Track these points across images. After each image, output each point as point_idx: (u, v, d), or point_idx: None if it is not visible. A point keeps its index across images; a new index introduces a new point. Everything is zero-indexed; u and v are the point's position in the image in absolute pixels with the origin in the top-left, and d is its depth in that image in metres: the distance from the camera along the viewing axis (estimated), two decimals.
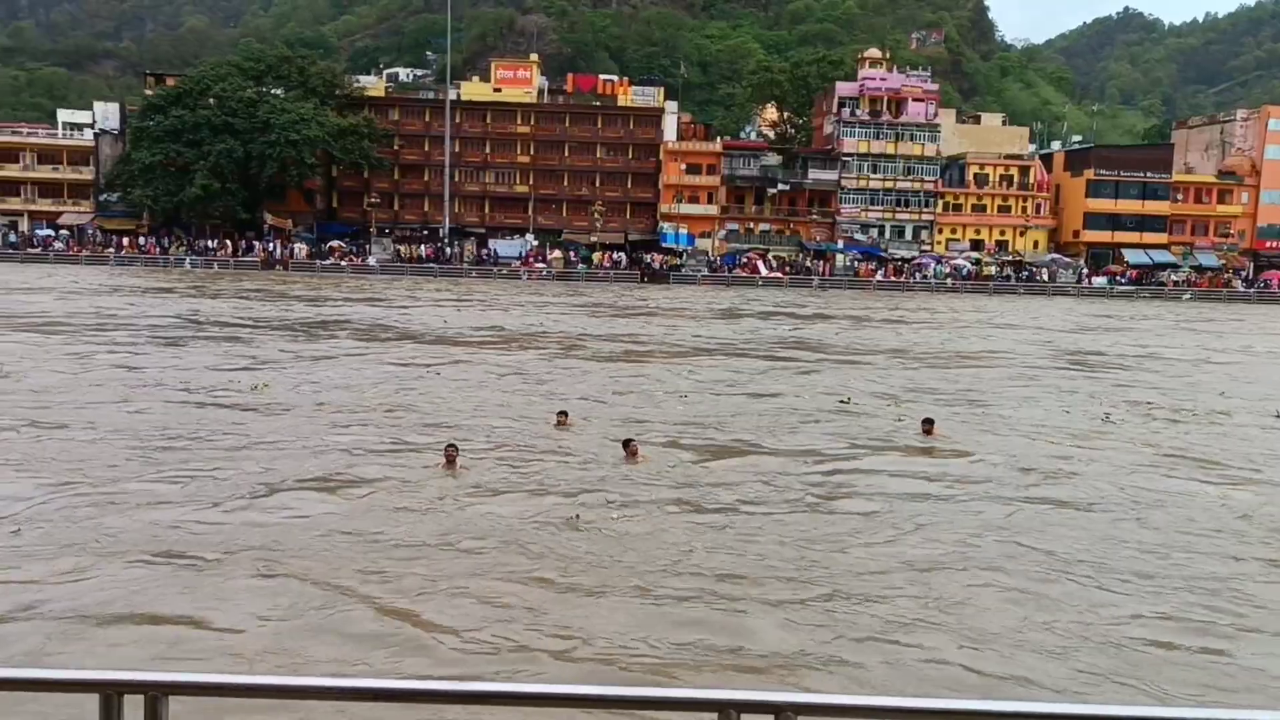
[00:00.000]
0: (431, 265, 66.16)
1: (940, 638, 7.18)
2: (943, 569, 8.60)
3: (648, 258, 67.50)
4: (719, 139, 75.05)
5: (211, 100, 66.61)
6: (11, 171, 71.09)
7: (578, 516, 9.79)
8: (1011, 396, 19.65)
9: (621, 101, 72.94)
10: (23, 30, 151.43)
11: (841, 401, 18.08)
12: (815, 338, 31.58)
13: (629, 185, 72.88)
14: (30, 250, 65.77)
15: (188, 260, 63.86)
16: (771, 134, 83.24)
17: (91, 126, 73.17)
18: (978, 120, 79.25)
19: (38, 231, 69.19)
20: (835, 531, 9.73)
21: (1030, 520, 10.28)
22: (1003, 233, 71.38)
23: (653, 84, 76.43)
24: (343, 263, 65.57)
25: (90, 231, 69.76)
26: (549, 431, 14.16)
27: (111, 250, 65.80)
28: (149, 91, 71.40)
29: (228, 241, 67.17)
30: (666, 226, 70.46)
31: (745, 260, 67.68)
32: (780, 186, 70.66)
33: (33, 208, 71.09)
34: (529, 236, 71.16)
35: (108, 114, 73.56)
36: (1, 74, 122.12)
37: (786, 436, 14.61)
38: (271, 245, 67.10)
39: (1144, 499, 11.41)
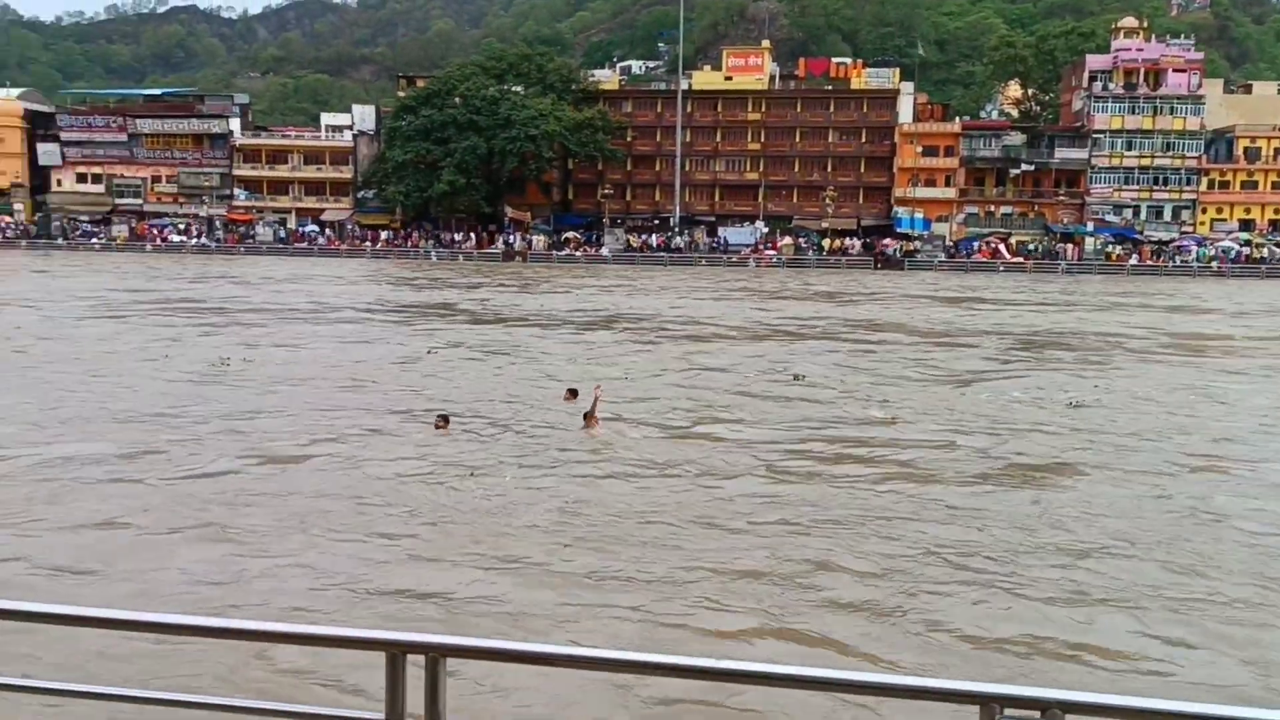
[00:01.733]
0: (662, 254, 74.12)
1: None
2: None
3: (882, 243, 73.00)
4: (957, 119, 78.84)
5: (457, 99, 77.29)
6: (281, 172, 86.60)
7: None
8: None
9: (855, 84, 78.66)
10: (290, 41, 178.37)
11: (796, 377, 21.21)
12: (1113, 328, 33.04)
13: (862, 170, 78.43)
14: (297, 245, 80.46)
15: (434, 253, 75.88)
16: (1014, 112, 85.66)
17: (350, 128, 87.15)
18: (1249, 90, 78.27)
19: (303, 227, 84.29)
20: None
21: None
22: (1278, 211, 71.13)
23: (887, 65, 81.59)
24: (577, 253, 75.17)
25: (349, 226, 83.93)
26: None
27: (368, 244, 79.54)
28: (401, 93, 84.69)
29: (471, 234, 79.09)
30: (901, 211, 75.46)
31: (986, 244, 71.60)
32: (1024, 167, 73.58)
33: (299, 205, 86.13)
34: (759, 224, 78.12)
35: (365, 116, 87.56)
36: (272, 82, 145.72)
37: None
38: (511, 237, 78.26)
39: None
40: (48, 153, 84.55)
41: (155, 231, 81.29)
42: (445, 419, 15.84)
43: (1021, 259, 69.10)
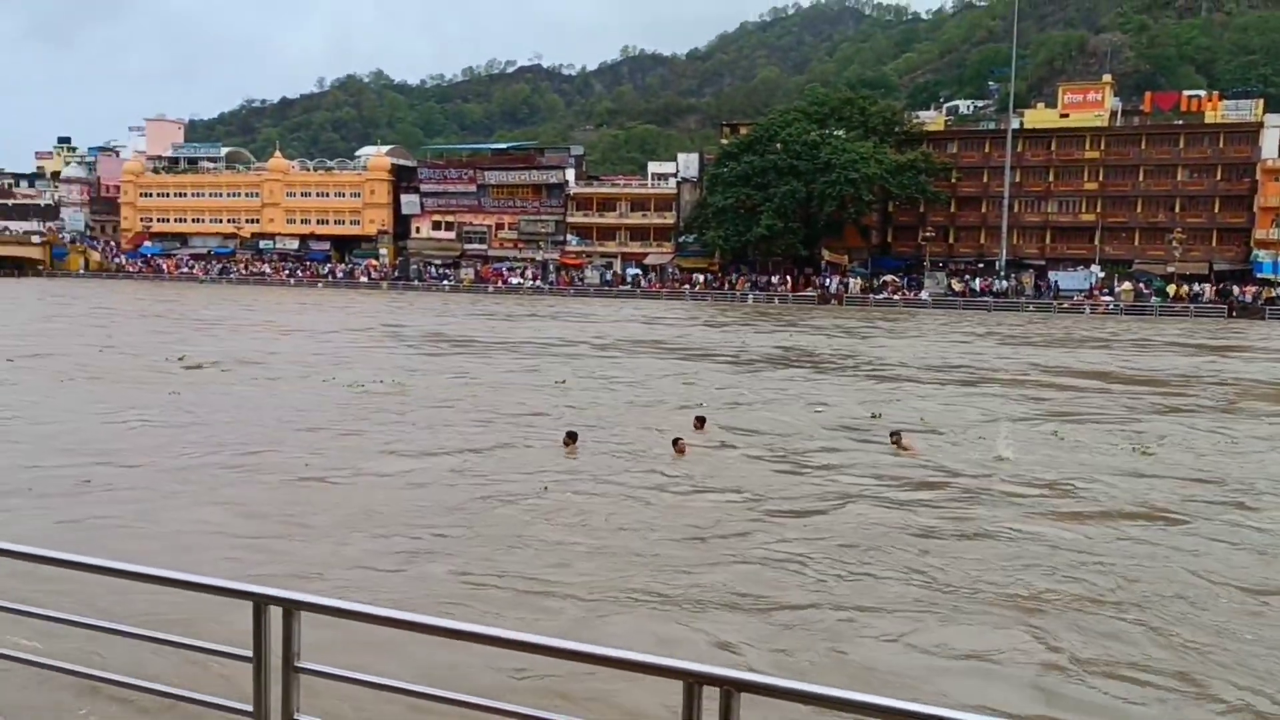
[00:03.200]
0: (985, 299, 73.41)
1: None
2: None
3: (1236, 290, 68.10)
4: None
5: (778, 145, 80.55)
6: (610, 218, 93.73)
7: None
8: None
9: (1209, 118, 74.15)
10: (623, 94, 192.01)
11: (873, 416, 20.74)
12: None
13: (1215, 209, 73.57)
14: (621, 287, 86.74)
15: (750, 295, 79.26)
16: None
17: (674, 175, 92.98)
18: None
19: (627, 270, 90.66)
20: None
21: None
22: None
23: (1248, 96, 76.33)
24: (895, 297, 75.94)
25: (670, 270, 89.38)
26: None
27: (687, 287, 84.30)
28: (724, 140, 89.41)
29: (787, 277, 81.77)
30: (1262, 254, 70.04)
31: None
32: None
33: (625, 250, 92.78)
34: (1094, 268, 75.23)
35: (688, 164, 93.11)
36: (605, 133, 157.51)
37: None
38: (827, 280, 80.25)
39: None
40: (409, 202, 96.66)
41: (497, 274, 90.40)
42: (573, 435, 17.20)
43: None
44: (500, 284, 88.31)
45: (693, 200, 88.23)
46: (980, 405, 23.61)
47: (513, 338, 41.27)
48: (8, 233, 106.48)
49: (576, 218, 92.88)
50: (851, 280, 79.09)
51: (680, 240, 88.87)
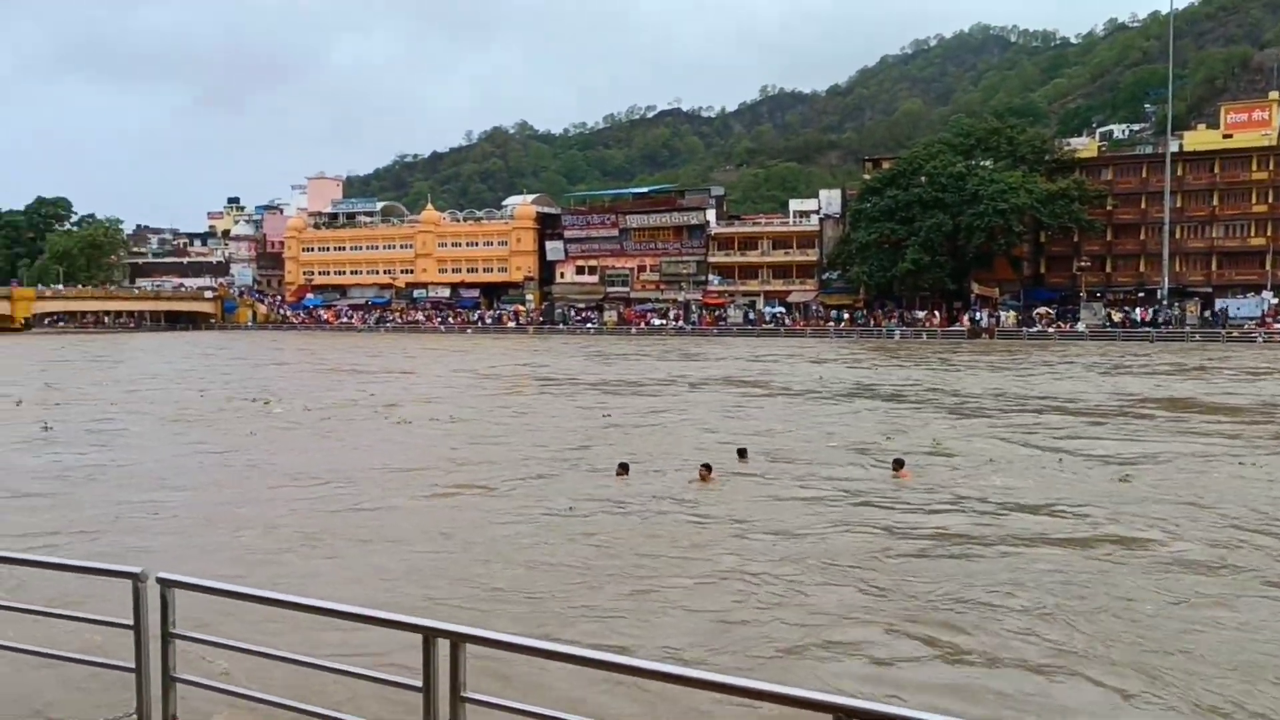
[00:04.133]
0: (1147, 329, 70.70)
1: None
2: None
3: None
4: None
5: (923, 178, 79.81)
6: (752, 257, 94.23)
7: None
8: None
9: None
10: (763, 133, 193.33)
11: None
12: None
13: None
14: (764, 326, 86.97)
15: (897, 331, 78.43)
16: None
17: (816, 212, 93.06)
18: None
19: (770, 309, 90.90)
20: None
21: None
22: None
23: None
24: (1050, 329, 73.88)
25: (814, 307, 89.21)
26: None
27: (831, 323, 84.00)
28: (866, 176, 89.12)
29: (935, 312, 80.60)
30: None
31: None
32: None
33: (767, 288, 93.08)
34: (1266, 294, 71.75)
35: (830, 200, 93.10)
36: (745, 173, 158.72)
37: None
38: (977, 314, 78.75)
39: None
40: (554, 248, 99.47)
41: (639, 316, 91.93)
42: (625, 467, 18.13)
43: None
44: (643, 325, 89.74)
45: (836, 236, 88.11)
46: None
47: (639, 376, 42.04)
48: (183, 289, 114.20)
49: (718, 257, 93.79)
50: (1003, 313, 77.42)
51: (824, 277, 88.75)
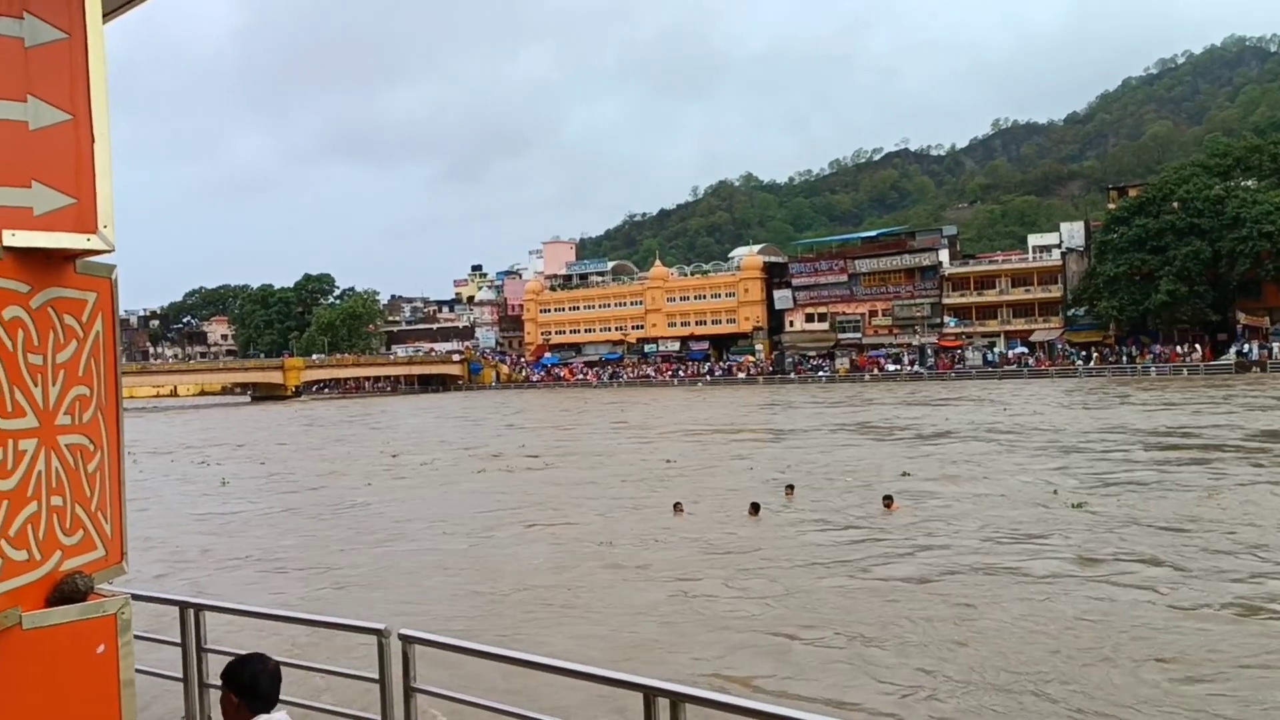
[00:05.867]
0: None
1: None
2: None
3: None
4: None
5: (1174, 204, 75.99)
6: (989, 297, 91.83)
7: None
8: None
9: None
10: (997, 168, 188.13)
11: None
12: None
13: None
14: (1006, 367, 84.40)
15: (1153, 368, 74.35)
16: None
17: (1058, 246, 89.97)
18: None
19: (1012, 349, 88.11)
20: None
21: None
22: None
23: None
24: None
25: (1059, 345, 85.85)
26: None
27: (1079, 362, 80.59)
28: (1111, 205, 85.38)
29: (1196, 345, 75.90)
30: None
31: None
32: None
33: (1007, 328, 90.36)
34: None
35: (1073, 233, 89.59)
36: (979, 210, 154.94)
37: None
38: (1245, 346, 73.60)
39: None
40: (782, 297, 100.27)
41: (873, 362, 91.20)
42: (679, 505, 20.33)
43: None
44: (877, 371, 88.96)
45: (1080, 271, 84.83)
46: None
47: (885, 422, 42.00)
48: (433, 353, 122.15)
49: (953, 299, 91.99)
50: (1276, 345, 72.08)
51: (1069, 314, 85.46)
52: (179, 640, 5.25)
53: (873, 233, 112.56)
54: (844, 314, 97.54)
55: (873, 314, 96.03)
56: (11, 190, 2.71)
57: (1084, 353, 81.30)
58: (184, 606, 5.25)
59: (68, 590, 2.83)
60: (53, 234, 2.77)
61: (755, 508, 19.71)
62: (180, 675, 5.29)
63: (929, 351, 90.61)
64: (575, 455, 33.55)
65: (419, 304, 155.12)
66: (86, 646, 2.83)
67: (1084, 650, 10.57)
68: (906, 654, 10.74)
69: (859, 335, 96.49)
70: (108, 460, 3.08)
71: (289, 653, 8.46)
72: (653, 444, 36.83)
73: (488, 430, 48.66)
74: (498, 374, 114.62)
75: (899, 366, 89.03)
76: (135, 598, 5.03)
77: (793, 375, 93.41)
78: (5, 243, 2.68)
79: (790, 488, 22.23)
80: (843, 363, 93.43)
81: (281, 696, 5.51)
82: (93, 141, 2.82)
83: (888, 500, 19.83)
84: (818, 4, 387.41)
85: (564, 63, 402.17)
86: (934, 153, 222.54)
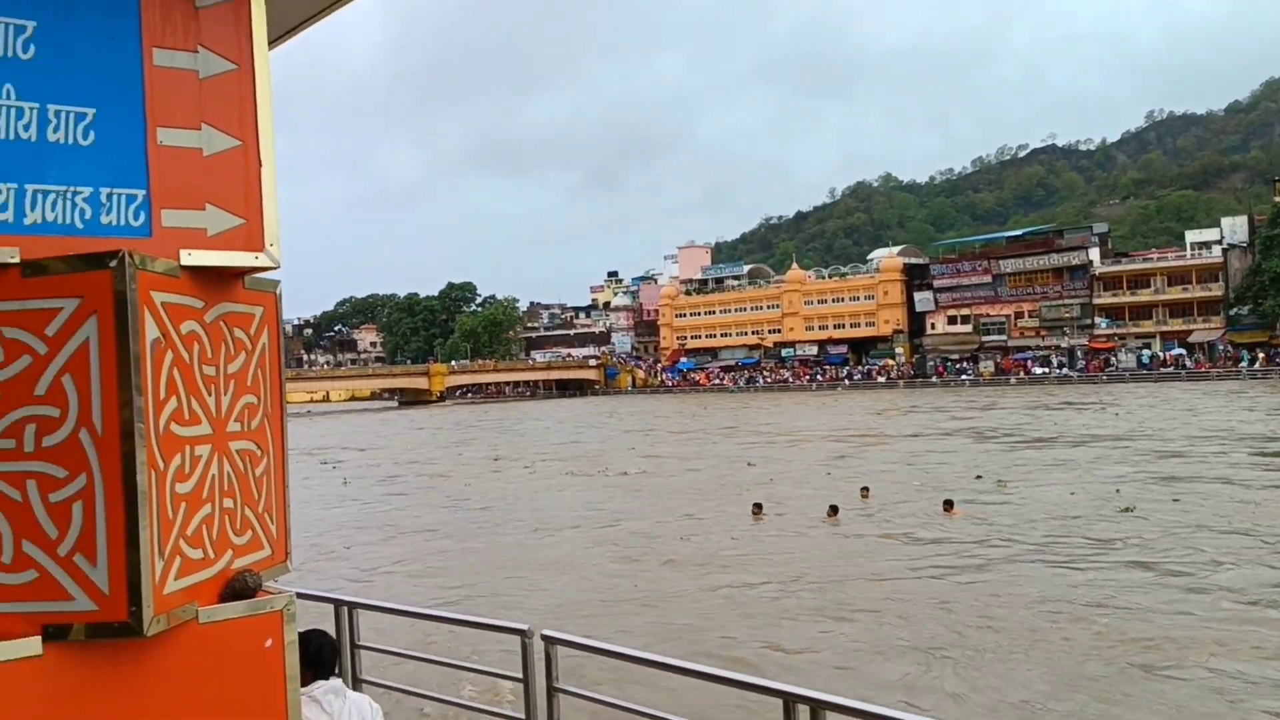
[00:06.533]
0: None
1: None
2: None
3: None
4: None
5: None
6: (1143, 296, 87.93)
7: None
8: None
9: None
10: (1150, 162, 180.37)
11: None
12: None
13: None
14: (1162, 369, 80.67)
15: None
16: None
17: (1219, 243, 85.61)
18: None
19: (1168, 350, 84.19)
20: None
21: None
22: None
23: None
24: None
25: (1220, 347, 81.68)
26: None
27: (1243, 365, 76.48)
28: (1278, 198, 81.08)
29: None
30: None
31: None
32: None
33: (1164, 329, 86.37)
34: None
35: (1235, 228, 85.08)
36: (1132, 206, 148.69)
37: None
38: None
39: None
40: (923, 299, 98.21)
41: (1019, 364, 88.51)
42: (759, 506, 21.48)
43: None
44: (1023, 374, 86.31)
45: (1243, 268, 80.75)
46: None
47: (1053, 431, 40.70)
48: (570, 358, 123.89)
49: (1104, 299, 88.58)
50: None
51: (1231, 313, 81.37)
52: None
53: (1018, 231, 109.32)
54: (988, 316, 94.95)
55: (1018, 315, 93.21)
56: (188, 213, 2.91)
57: (1248, 354, 77.13)
58: (339, 605, 5.48)
59: (238, 587, 3.00)
60: (225, 253, 2.96)
61: (834, 509, 20.79)
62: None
63: (1079, 354, 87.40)
64: (689, 459, 34.03)
65: (556, 310, 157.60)
66: (255, 641, 3.00)
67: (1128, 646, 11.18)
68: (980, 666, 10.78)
69: (1004, 337, 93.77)
70: (273, 464, 3.25)
71: (429, 648, 8.74)
72: (762, 448, 37.27)
73: (604, 434, 49.56)
74: (633, 379, 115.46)
75: (1047, 369, 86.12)
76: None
77: (934, 379, 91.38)
78: (183, 262, 2.88)
79: (866, 490, 23.38)
80: (987, 366, 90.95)
81: (424, 692, 5.72)
82: (259, 165, 3.00)
83: (948, 504, 20.83)
84: None
85: (699, 66, 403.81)
86: (1083, 147, 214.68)
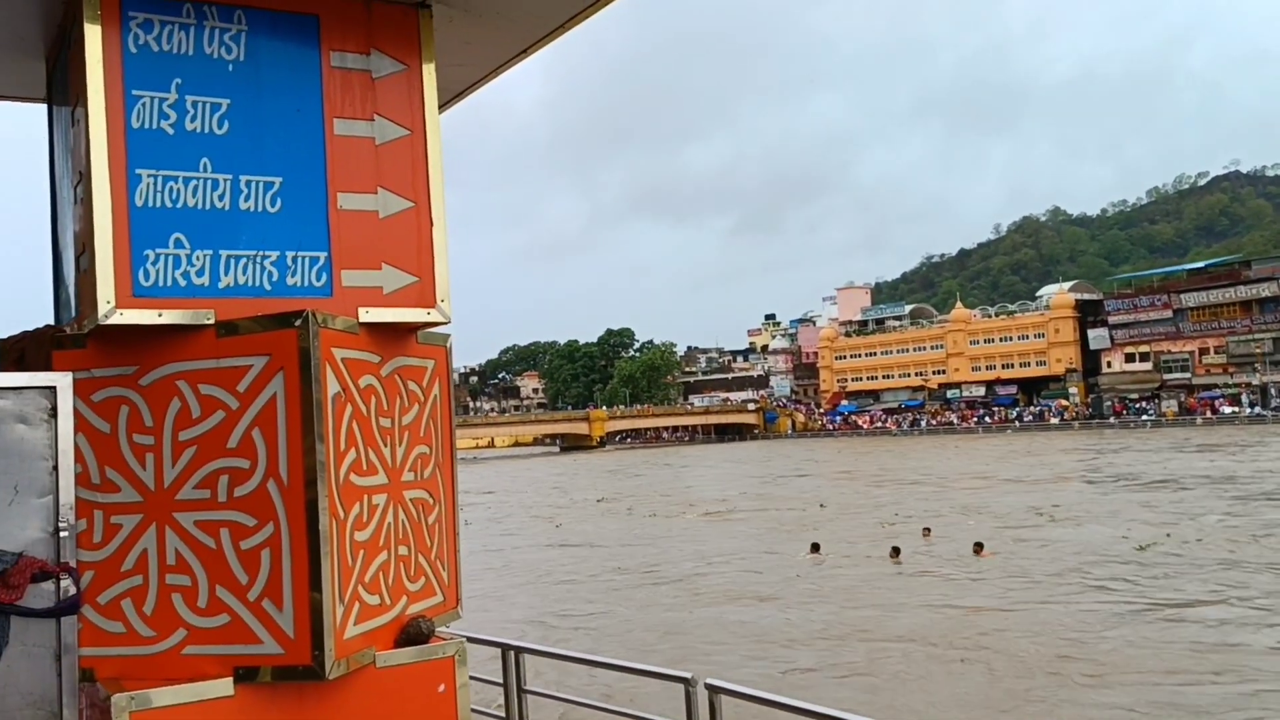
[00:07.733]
0: None
1: None
2: None
3: None
4: None
5: None
6: None
7: None
8: None
9: None
10: None
11: None
12: None
13: None
14: None
15: None
16: None
17: None
18: None
19: None
20: None
21: None
22: None
23: None
24: None
25: None
26: None
27: None
28: None
29: None
30: None
31: None
32: None
33: None
34: None
35: None
36: None
37: None
38: None
39: None
40: (1097, 337, 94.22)
41: (1205, 403, 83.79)
42: (816, 546, 23.07)
43: None
44: (1209, 414, 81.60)
45: None
46: None
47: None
48: (729, 402, 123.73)
49: None
50: None
51: None
52: (499, 680, 5.52)
53: (1200, 264, 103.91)
54: (1169, 352, 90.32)
55: (1203, 351, 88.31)
56: (366, 273, 3.07)
57: None
58: (505, 649, 5.61)
59: (413, 633, 3.10)
60: (399, 309, 3.11)
61: (895, 551, 22.01)
62: (503, 715, 5.54)
63: (1272, 391, 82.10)
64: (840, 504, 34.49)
65: (714, 354, 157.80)
66: (429, 686, 3.09)
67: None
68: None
69: (1188, 375, 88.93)
70: (444, 513, 3.36)
71: (587, 693, 8.91)
72: (873, 491, 38.75)
73: (748, 483, 49.59)
74: (793, 422, 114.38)
75: (1237, 409, 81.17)
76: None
77: (1112, 419, 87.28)
78: (361, 319, 3.03)
79: (927, 530, 25.10)
80: (1170, 405, 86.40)
81: None
82: (431, 224, 3.14)
83: (978, 547, 21.99)
84: (1128, 22, 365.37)
85: (857, 106, 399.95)
86: (1270, 173, 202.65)
